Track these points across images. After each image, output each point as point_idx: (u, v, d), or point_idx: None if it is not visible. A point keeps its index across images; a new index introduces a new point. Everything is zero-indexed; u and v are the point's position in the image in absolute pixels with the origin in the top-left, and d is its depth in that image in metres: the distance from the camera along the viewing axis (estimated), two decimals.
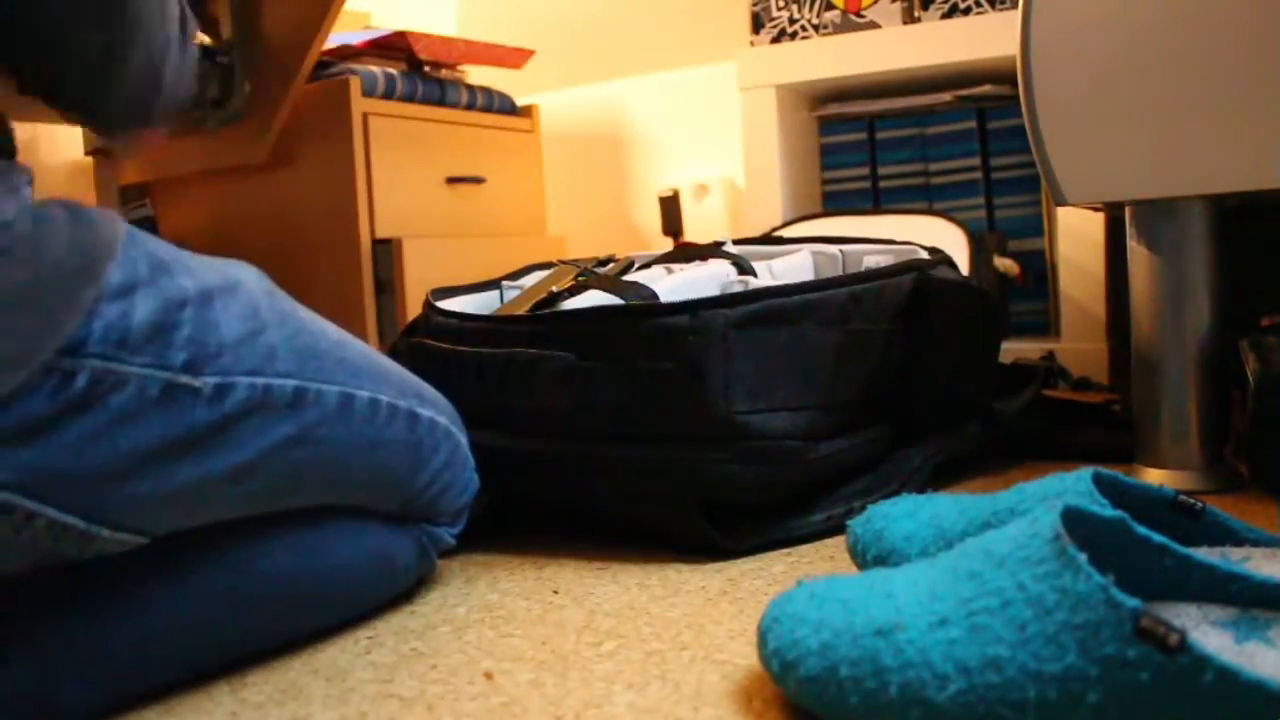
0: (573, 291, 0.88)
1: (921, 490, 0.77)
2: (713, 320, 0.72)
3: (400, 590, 0.68)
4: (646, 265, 1.02)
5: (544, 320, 0.79)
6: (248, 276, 0.58)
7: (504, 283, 1.02)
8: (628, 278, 0.93)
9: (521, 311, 0.87)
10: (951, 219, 1.31)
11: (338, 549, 0.63)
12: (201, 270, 0.54)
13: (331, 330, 0.63)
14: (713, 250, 0.99)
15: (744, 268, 0.94)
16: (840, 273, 0.99)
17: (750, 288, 0.87)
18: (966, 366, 0.93)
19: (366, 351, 0.64)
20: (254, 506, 0.57)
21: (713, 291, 0.88)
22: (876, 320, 0.83)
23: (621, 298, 0.84)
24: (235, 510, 0.56)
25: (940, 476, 0.90)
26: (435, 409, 0.67)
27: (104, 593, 0.54)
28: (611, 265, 1.03)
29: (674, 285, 0.87)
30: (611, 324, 0.75)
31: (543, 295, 0.89)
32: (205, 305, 0.53)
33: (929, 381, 0.88)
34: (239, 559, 0.58)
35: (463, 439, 0.70)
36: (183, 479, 0.51)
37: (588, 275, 0.91)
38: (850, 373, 0.81)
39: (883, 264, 0.96)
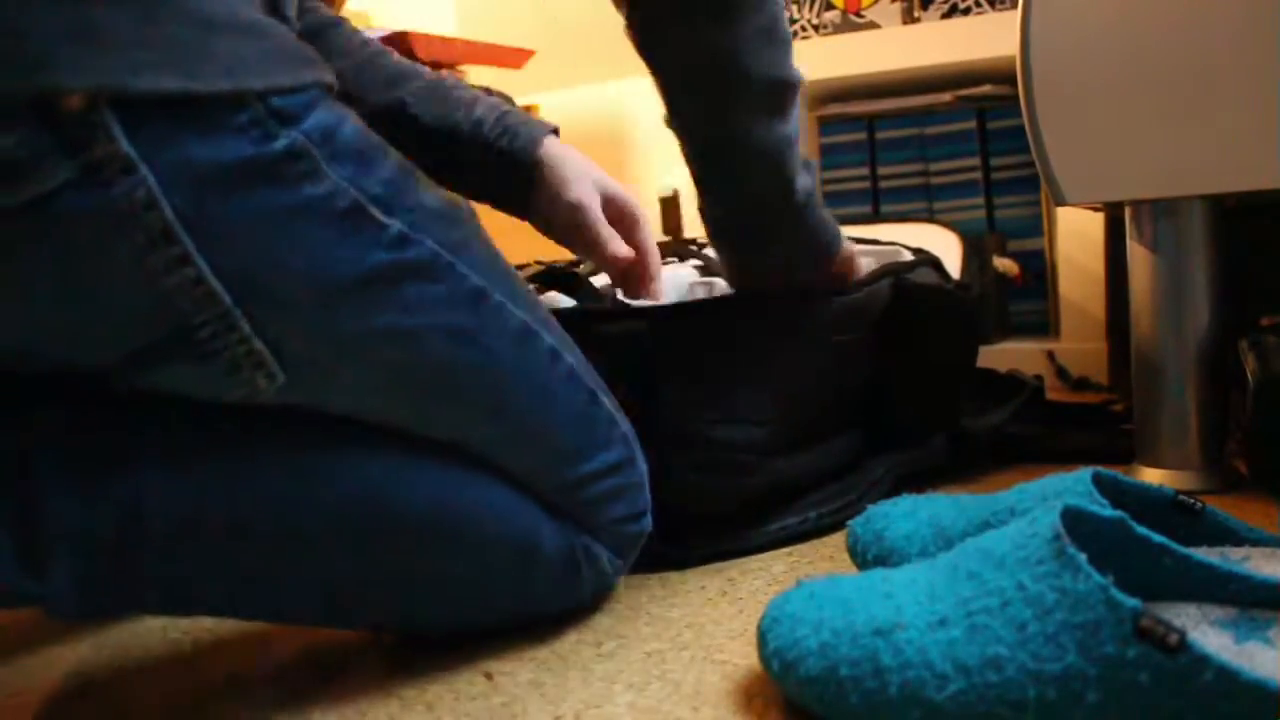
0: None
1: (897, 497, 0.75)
2: (669, 327, 0.70)
3: (535, 601, 0.60)
4: None
5: None
6: (451, 192, 0.56)
7: None
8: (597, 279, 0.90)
9: None
10: (946, 224, 1.31)
11: (481, 512, 0.56)
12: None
13: (526, 283, 0.59)
14: (684, 250, 0.97)
15: (712, 269, 0.91)
16: None
17: (715, 290, 0.85)
18: (937, 376, 0.90)
19: (555, 319, 0.60)
20: (403, 398, 0.52)
21: (673, 296, 0.86)
22: (860, 330, 0.81)
23: (577, 299, 0.81)
24: (382, 395, 0.52)
25: (908, 487, 0.87)
26: (618, 412, 0.62)
27: (207, 447, 0.50)
28: (584, 265, 1.01)
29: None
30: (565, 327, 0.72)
31: None
32: (408, 170, 0.52)
33: (897, 390, 0.86)
34: (373, 476, 0.53)
35: (641, 462, 0.63)
36: (338, 312, 0.48)
37: (547, 276, 0.87)
38: (828, 385, 0.79)
39: (866, 265, 0.94)
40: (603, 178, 0.81)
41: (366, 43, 0.80)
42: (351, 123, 0.50)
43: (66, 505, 0.47)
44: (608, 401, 0.61)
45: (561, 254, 0.93)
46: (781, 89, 0.68)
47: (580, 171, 0.79)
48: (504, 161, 0.78)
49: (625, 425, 0.62)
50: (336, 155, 0.48)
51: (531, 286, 0.84)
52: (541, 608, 0.61)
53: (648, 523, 0.64)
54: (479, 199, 0.80)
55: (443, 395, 0.53)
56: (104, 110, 0.41)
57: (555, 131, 0.82)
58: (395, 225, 0.50)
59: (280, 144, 0.46)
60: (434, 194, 0.53)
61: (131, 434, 0.50)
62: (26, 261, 0.43)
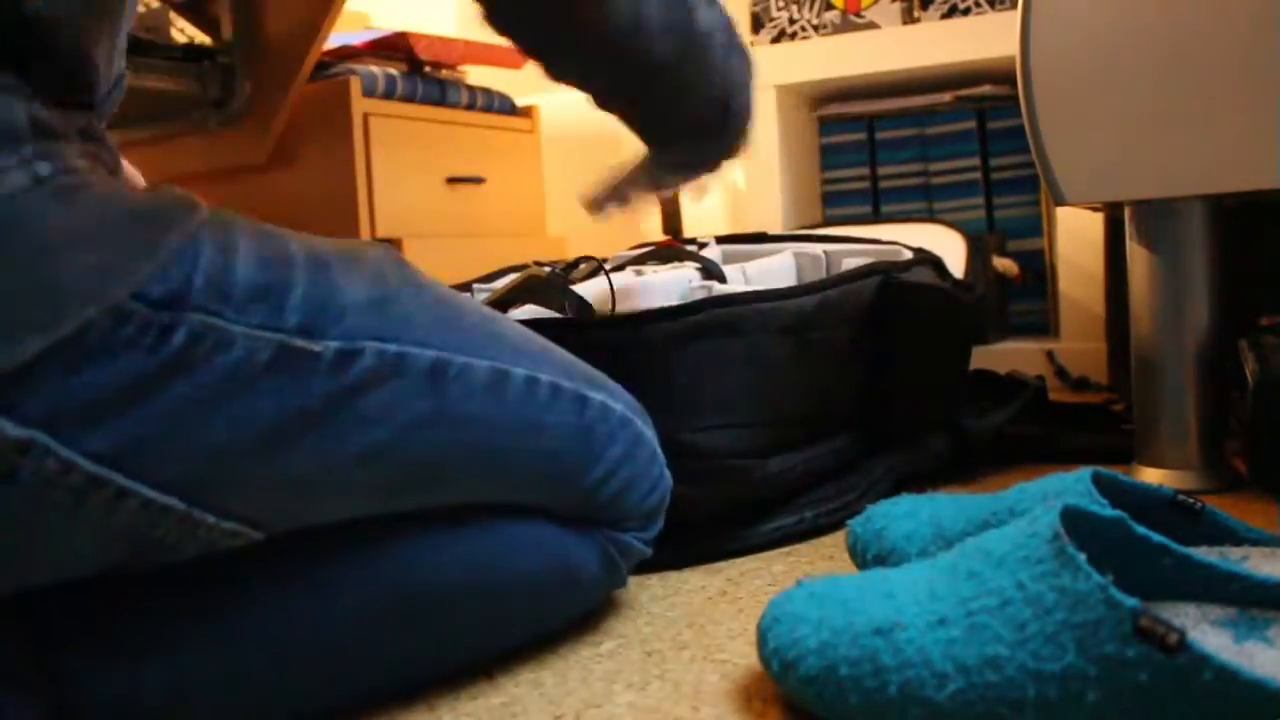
0: (508, 303, 0.82)
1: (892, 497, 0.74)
2: (652, 334, 0.70)
3: (585, 607, 0.61)
4: (619, 267, 0.99)
5: None
6: (370, 247, 0.51)
7: (475, 285, 0.98)
8: (588, 282, 0.88)
9: None
10: (951, 225, 1.31)
11: (511, 557, 0.55)
12: (312, 239, 0.49)
13: (479, 306, 0.55)
14: (684, 252, 0.97)
15: (711, 272, 0.91)
16: (824, 273, 0.96)
17: (714, 293, 0.85)
18: (932, 375, 0.89)
19: (523, 330, 0.57)
20: (393, 499, 0.50)
21: (672, 299, 0.85)
22: (837, 328, 0.80)
23: (551, 308, 0.79)
24: (369, 504, 0.49)
25: (908, 487, 0.86)
26: (609, 394, 0.59)
27: (237, 601, 0.48)
28: (582, 267, 0.99)
29: (626, 292, 0.83)
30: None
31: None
32: (321, 268, 0.47)
33: (892, 389, 0.86)
34: (396, 566, 0.51)
35: (646, 430, 0.61)
36: (301, 459, 0.45)
37: (524, 290, 0.85)
38: (807, 385, 0.78)
39: (861, 263, 0.94)
40: None
41: None
42: (242, 249, 0.45)
43: (104, 681, 0.45)
44: (596, 394, 0.58)
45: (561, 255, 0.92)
46: None
47: None
48: None
49: (619, 402, 0.60)
50: (239, 303, 0.43)
51: (504, 290, 0.83)
52: (588, 606, 0.62)
53: (667, 482, 0.62)
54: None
55: (433, 479, 0.51)
56: None
57: None
58: (329, 346, 0.45)
59: (179, 337, 0.41)
60: (353, 276, 0.48)
61: (144, 609, 0.47)
62: None
